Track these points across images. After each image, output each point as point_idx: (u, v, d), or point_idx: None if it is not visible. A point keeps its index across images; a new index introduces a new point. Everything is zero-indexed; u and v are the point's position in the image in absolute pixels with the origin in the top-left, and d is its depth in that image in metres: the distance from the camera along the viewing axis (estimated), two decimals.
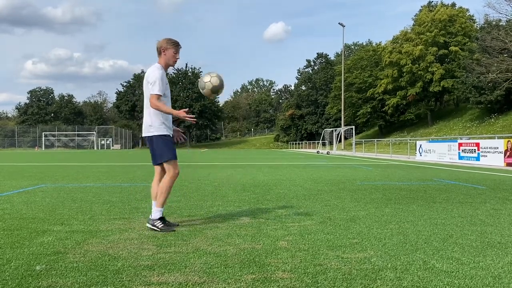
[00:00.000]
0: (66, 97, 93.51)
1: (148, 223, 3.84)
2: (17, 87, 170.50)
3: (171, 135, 3.97)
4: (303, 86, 77.19)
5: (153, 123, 3.85)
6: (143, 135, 3.99)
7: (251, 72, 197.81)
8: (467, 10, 47.99)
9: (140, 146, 79.43)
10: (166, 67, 3.95)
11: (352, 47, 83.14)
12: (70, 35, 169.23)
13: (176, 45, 3.95)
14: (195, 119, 3.87)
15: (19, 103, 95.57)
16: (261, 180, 8.78)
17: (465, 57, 39.28)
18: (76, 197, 6.08)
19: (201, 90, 4.00)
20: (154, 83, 3.77)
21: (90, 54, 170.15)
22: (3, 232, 3.70)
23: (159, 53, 3.93)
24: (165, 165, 3.89)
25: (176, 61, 4.01)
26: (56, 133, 76.32)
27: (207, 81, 3.92)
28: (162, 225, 3.80)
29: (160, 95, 3.78)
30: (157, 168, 4.05)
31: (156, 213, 3.85)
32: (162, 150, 3.86)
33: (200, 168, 12.91)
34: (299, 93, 75.51)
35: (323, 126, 63.20)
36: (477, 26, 45.28)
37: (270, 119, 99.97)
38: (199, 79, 4.02)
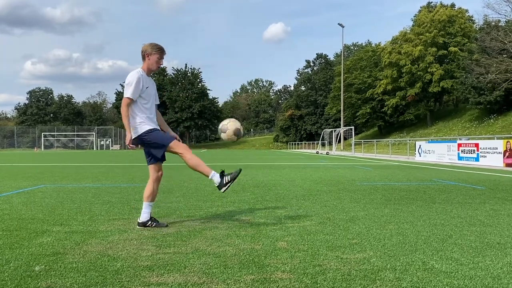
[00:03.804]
0: (65, 98, 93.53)
1: (220, 186, 3.78)
2: (17, 88, 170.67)
3: (157, 128, 3.94)
4: (303, 86, 77.24)
5: (135, 124, 3.85)
6: (132, 137, 3.97)
7: (251, 72, 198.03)
8: (467, 10, 48.05)
9: (139, 146, 79.27)
10: (148, 72, 3.97)
11: (352, 47, 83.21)
12: (70, 35, 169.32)
13: (161, 51, 3.96)
14: (133, 147, 3.89)
15: (19, 103, 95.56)
16: (260, 180, 8.78)
17: (465, 58, 39.30)
18: (75, 197, 6.07)
19: (223, 132, 4.24)
20: (127, 86, 3.81)
21: (89, 54, 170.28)
22: (2, 233, 3.69)
23: (143, 57, 3.95)
24: (171, 149, 3.85)
25: (159, 67, 4.05)
26: (56, 133, 76.27)
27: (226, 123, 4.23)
28: (229, 178, 3.78)
29: (131, 99, 3.80)
30: (151, 169, 4.03)
31: (215, 177, 3.78)
32: (159, 141, 3.82)
33: None
34: (298, 94, 75.53)
35: (322, 127, 63.21)
36: (476, 27, 45.32)
37: (270, 120, 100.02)
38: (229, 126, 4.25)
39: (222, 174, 3.81)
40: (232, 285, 2.37)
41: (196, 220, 4.30)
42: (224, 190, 3.80)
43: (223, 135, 4.26)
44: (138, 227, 3.92)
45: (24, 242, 3.36)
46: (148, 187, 4.02)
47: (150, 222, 3.94)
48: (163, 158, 3.99)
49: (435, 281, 2.44)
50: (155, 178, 4.03)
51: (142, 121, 3.85)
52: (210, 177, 3.83)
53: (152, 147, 3.88)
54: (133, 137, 3.90)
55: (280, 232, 3.72)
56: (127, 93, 3.80)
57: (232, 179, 3.78)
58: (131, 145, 3.83)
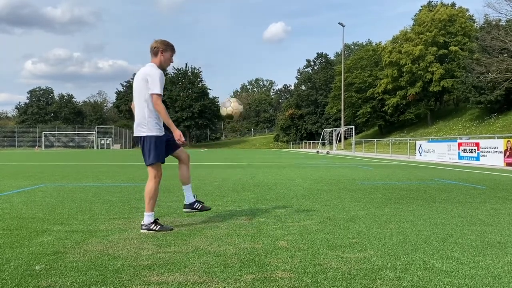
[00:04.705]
0: (66, 97, 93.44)
1: (142, 228, 3.77)
2: (17, 87, 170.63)
3: (163, 135, 3.89)
4: (303, 86, 77.21)
5: (146, 123, 3.79)
6: (134, 134, 3.91)
7: (251, 72, 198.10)
8: (467, 10, 48.00)
9: (139, 146, 79.34)
10: (159, 68, 3.93)
11: (352, 47, 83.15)
12: (70, 35, 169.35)
13: (173, 49, 3.99)
14: (186, 142, 3.87)
15: (19, 103, 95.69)
16: (261, 180, 8.77)
17: (465, 57, 39.27)
18: (75, 196, 6.07)
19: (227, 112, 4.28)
20: (155, 82, 3.71)
21: (89, 54, 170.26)
22: (3, 232, 3.70)
23: (155, 53, 3.88)
24: (148, 168, 3.85)
25: (169, 65, 4.05)
26: (56, 133, 76.24)
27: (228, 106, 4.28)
28: (158, 227, 3.77)
29: (161, 95, 3.75)
30: (176, 155, 4.05)
31: (147, 218, 3.77)
32: (149, 151, 3.80)
33: (200, 168, 12.91)
34: (299, 93, 75.50)
35: (323, 126, 63.19)
36: (477, 26, 45.27)
37: (270, 119, 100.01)
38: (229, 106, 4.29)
39: (156, 221, 3.80)
40: (233, 284, 2.37)
41: (197, 219, 4.30)
42: (143, 231, 3.74)
43: (223, 110, 4.30)
44: (184, 210, 4.08)
45: (24, 241, 3.36)
46: (180, 173, 4.07)
47: (197, 204, 4.13)
48: (163, 160, 3.98)
49: (436, 280, 2.44)
50: (181, 162, 4.08)
51: (157, 122, 3.81)
52: (145, 213, 3.79)
53: (146, 151, 3.82)
54: (134, 134, 3.88)
55: (280, 231, 3.72)
56: (157, 89, 3.70)
57: (158, 230, 3.73)
58: (183, 140, 3.77)
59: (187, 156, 4.13)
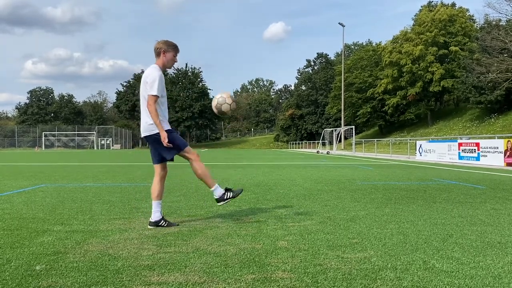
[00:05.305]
0: (66, 97, 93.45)
1: (219, 202, 4.01)
2: (17, 87, 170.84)
3: (173, 130, 3.97)
4: (303, 86, 77.19)
5: (153, 122, 3.82)
6: (144, 134, 3.94)
7: (251, 72, 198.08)
8: (467, 10, 48.02)
9: (140, 146, 79.46)
10: (163, 69, 3.97)
11: (352, 47, 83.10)
12: (70, 35, 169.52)
13: (176, 49, 4.02)
14: (170, 145, 3.82)
15: (19, 103, 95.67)
16: (261, 180, 8.77)
17: (465, 57, 39.27)
18: (76, 197, 6.08)
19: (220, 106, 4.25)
20: (153, 83, 3.77)
21: (90, 54, 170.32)
22: (3, 232, 3.70)
23: (158, 54, 3.94)
24: (184, 153, 3.94)
25: (173, 64, 4.09)
26: (56, 133, 76.25)
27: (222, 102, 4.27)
28: (230, 194, 4.00)
29: (158, 96, 3.79)
30: (157, 168, 4.05)
31: (217, 191, 4.00)
32: (174, 142, 3.84)
33: None
34: (299, 93, 75.49)
35: (323, 126, 63.18)
36: (477, 26, 45.29)
37: (270, 119, 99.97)
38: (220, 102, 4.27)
39: (226, 189, 4.03)
40: (233, 284, 2.37)
41: (197, 220, 4.30)
42: (222, 204, 4.06)
43: (224, 107, 4.26)
44: (149, 226, 3.90)
45: (25, 241, 3.36)
46: (155, 186, 4.04)
47: (162, 222, 3.93)
48: (172, 159, 4.01)
49: (436, 280, 2.44)
50: (162, 176, 4.06)
51: (161, 119, 3.84)
52: (212, 189, 4.02)
53: (167, 148, 3.86)
54: (151, 134, 3.89)
55: (280, 231, 3.72)
56: (153, 91, 3.75)
57: (233, 197, 4.02)
58: (168, 144, 3.78)
59: (166, 172, 4.13)
